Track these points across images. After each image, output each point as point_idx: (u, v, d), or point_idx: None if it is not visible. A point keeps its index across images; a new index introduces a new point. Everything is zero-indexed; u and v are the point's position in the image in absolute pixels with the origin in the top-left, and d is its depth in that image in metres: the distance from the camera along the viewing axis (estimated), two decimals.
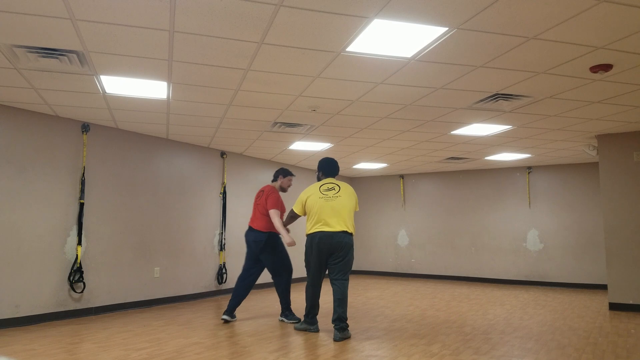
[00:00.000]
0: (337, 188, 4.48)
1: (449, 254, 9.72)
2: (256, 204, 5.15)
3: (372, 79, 4.00)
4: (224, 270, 7.25)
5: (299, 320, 4.98)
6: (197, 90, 4.36)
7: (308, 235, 4.44)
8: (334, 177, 4.65)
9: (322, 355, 3.73)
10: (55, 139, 5.26)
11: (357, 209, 4.61)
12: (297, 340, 4.25)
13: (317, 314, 4.60)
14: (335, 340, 4.19)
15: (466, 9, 2.73)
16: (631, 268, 5.87)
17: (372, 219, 10.74)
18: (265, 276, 8.24)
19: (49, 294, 5.07)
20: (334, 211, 4.35)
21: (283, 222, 4.90)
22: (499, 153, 7.59)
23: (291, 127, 5.79)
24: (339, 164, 8.90)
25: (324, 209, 4.36)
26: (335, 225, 4.33)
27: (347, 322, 4.34)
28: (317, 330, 4.57)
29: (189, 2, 2.67)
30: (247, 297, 7.01)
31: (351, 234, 4.42)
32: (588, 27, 2.95)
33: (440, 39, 3.15)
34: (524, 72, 3.79)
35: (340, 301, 4.27)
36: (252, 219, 5.12)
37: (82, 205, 5.42)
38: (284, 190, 5.34)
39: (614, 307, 5.93)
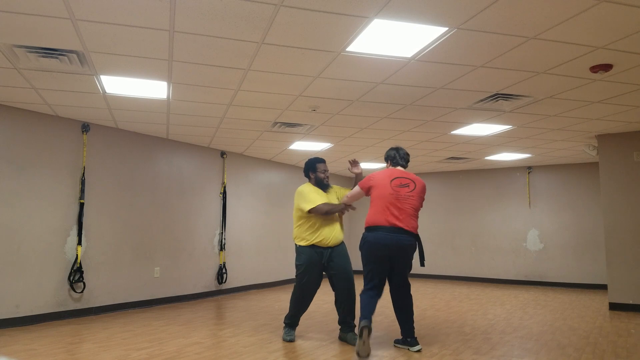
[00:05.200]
0: None
1: (449, 254, 9.72)
2: (404, 195, 3.87)
3: (372, 79, 4.00)
4: (224, 270, 7.24)
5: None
6: (197, 90, 4.36)
7: None
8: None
9: (322, 355, 3.73)
10: (55, 139, 5.26)
11: (299, 209, 4.20)
12: (297, 340, 4.25)
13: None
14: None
15: (466, 9, 2.73)
16: (631, 268, 5.86)
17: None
18: (268, 275, 8.24)
19: (49, 294, 5.07)
20: None
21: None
22: (499, 153, 7.59)
23: (291, 127, 5.79)
24: (339, 164, 8.92)
25: None
26: None
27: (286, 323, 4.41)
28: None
29: (189, 2, 2.67)
30: (248, 298, 7.00)
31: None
32: (588, 27, 2.95)
33: (440, 39, 3.15)
34: (524, 72, 3.79)
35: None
36: (402, 217, 3.82)
37: (82, 205, 5.42)
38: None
39: (614, 307, 5.92)
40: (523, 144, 6.82)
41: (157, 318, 5.29)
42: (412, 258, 3.91)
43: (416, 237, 3.87)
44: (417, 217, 3.91)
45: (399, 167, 4.09)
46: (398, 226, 3.78)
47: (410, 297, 3.99)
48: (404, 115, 5.18)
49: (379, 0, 2.63)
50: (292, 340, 4.21)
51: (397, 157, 4.13)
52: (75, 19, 2.90)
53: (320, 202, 4.13)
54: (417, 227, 3.89)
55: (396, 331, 4.61)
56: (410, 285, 3.99)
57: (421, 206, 3.96)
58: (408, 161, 4.18)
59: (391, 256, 3.82)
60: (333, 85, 4.15)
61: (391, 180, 3.91)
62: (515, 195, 9.07)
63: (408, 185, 3.90)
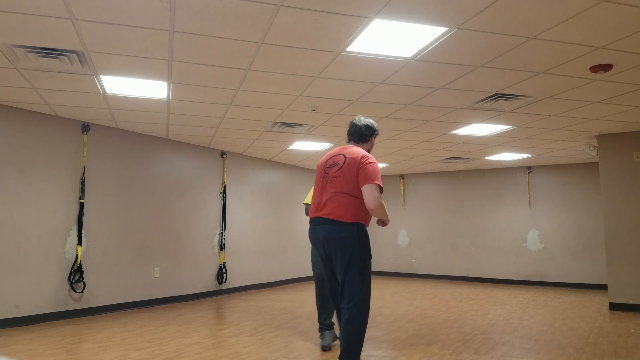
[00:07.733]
0: None
1: (449, 254, 9.72)
2: (331, 176, 3.10)
3: (372, 79, 4.00)
4: (224, 270, 7.24)
5: None
6: (197, 90, 4.36)
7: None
8: None
9: (322, 355, 3.73)
10: (55, 139, 5.26)
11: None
12: (297, 340, 4.25)
13: None
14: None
15: (466, 9, 2.73)
16: (631, 268, 5.86)
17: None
18: (268, 275, 8.24)
19: (49, 294, 5.07)
20: None
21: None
22: (499, 153, 7.59)
23: (291, 127, 5.79)
24: None
25: None
26: None
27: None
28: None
29: (189, 2, 2.67)
30: (248, 298, 7.00)
31: None
32: (588, 27, 2.95)
33: (440, 39, 3.15)
34: (524, 72, 3.79)
35: None
36: (326, 204, 3.06)
37: (82, 205, 5.42)
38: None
39: (614, 307, 5.92)
40: (523, 144, 6.82)
41: (157, 318, 5.29)
42: (351, 254, 2.90)
43: (350, 226, 2.92)
44: (349, 200, 2.95)
45: (351, 143, 3.26)
46: (318, 216, 3.02)
47: (354, 320, 2.87)
48: (404, 115, 5.18)
49: (379, 0, 2.63)
50: (324, 347, 3.87)
51: (349, 132, 3.28)
52: (75, 19, 2.90)
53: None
54: (348, 215, 2.93)
55: (397, 331, 4.61)
56: (359, 305, 2.89)
57: (357, 184, 2.96)
58: (363, 134, 3.22)
59: (327, 254, 3.06)
60: (333, 85, 4.15)
61: (326, 161, 3.17)
62: (515, 195, 9.07)
63: (337, 163, 3.05)
